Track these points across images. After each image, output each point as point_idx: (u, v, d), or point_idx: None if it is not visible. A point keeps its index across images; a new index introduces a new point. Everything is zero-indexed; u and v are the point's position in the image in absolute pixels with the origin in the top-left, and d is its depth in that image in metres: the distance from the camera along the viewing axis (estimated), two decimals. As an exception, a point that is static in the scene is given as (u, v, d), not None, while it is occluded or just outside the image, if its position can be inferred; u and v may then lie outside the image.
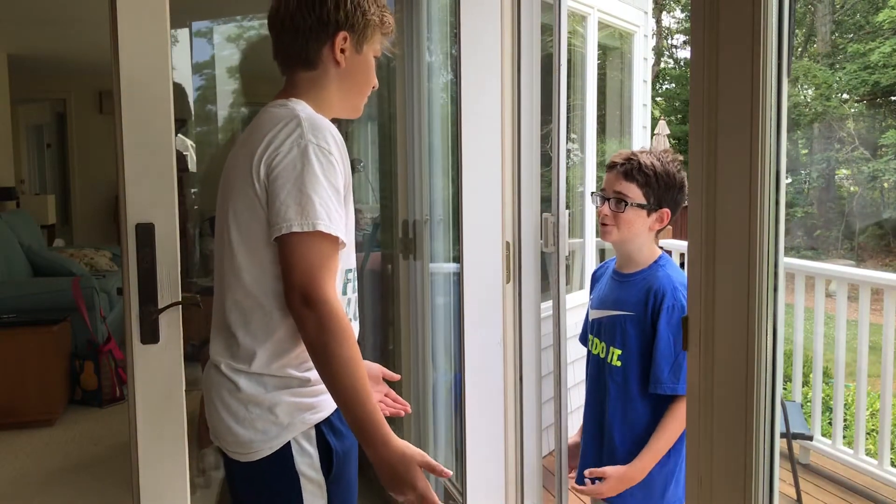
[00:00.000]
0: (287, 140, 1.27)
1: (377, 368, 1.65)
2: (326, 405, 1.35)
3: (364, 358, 1.31)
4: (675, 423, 1.69)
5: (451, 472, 1.35)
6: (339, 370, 1.23)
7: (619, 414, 1.76)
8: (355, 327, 1.47)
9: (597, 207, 1.80)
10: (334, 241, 1.27)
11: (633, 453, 1.73)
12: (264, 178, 1.28)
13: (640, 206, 1.72)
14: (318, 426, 1.34)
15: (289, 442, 1.33)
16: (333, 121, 1.40)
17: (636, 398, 1.74)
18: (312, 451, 1.34)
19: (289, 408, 1.33)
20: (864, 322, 3.45)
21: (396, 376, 1.67)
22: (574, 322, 2.10)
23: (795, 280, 3.82)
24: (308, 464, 1.34)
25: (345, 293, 1.42)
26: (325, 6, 1.37)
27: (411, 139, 2.67)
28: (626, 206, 1.72)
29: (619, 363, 1.76)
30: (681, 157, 1.76)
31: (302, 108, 1.34)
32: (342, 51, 1.40)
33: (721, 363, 1.06)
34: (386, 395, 1.64)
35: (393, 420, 1.67)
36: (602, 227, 1.79)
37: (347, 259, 1.41)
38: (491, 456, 2.19)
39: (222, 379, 1.36)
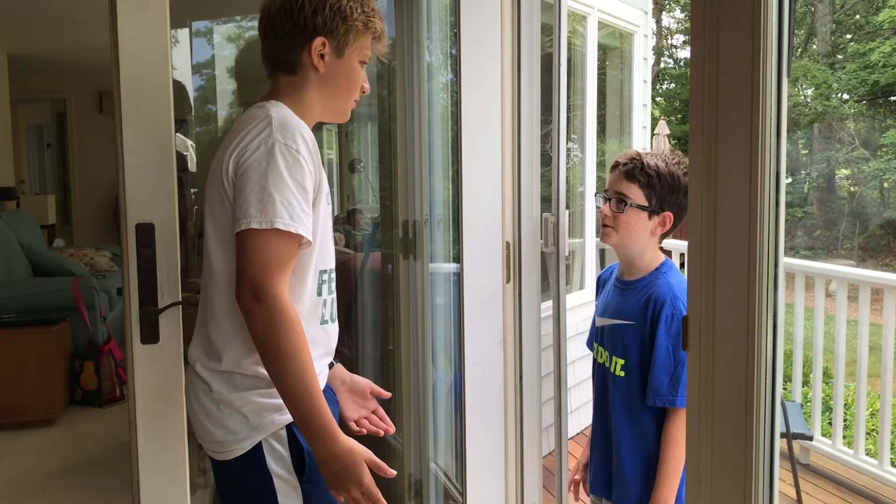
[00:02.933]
0: (255, 139, 1.29)
1: (365, 383, 1.63)
2: None
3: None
4: (678, 444, 1.63)
5: (395, 472, 1.34)
6: (286, 363, 1.23)
7: (626, 425, 1.71)
8: (334, 329, 1.48)
9: (599, 208, 1.76)
10: (293, 240, 1.28)
11: (640, 465, 1.70)
12: (232, 175, 1.30)
13: (641, 207, 1.67)
14: (289, 427, 1.35)
15: (260, 442, 1.34)
16: (321, 124, 1.41)
17: (640, 409, 1.69)
18: (284, 451, 1.35)
19: (258, 408, 1.34)
20: (864, 322, 3.45)
21: (386, 394, 1.64)
22: (574, 322, 2.10)
23: (795, 280, 3.82)
24: (280, 464, 1.35)
25: (320, 294, 1.41)
26: (303, 12, 1.37)
27: (411, 139, 2.67)
28: (625, 206, 1.67)
29: (622, 373, 1.71)
30: (686, 161, 1.71)
31: (277, 109, 1.35)
32: (322, 56, 1.40)
33: (721, 363, 1.06)
34: (374, 412, 1.62)
35: (392, 420, 1.67)
36: (602, 229, 1.74)
37: (322, 259, 1.41)
38: (491, 456, 2.19)
39: (198, 379, 1.38)
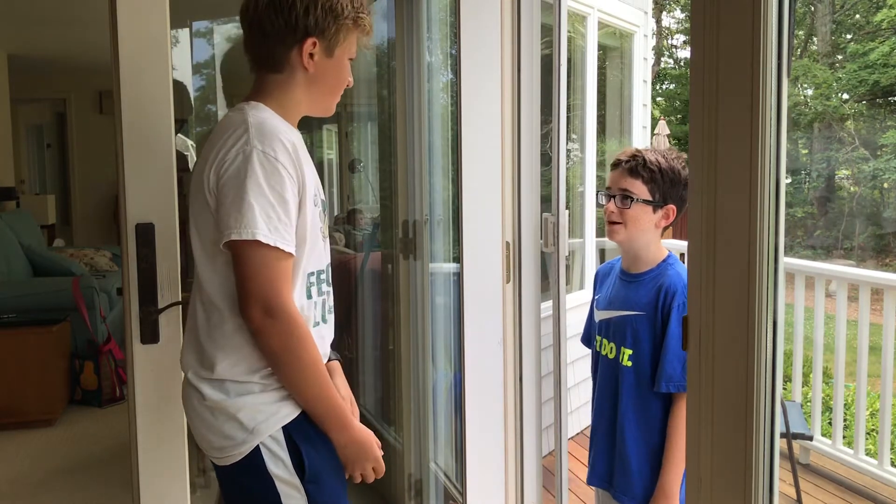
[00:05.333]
0: (234, 148, 1.28)
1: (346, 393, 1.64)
2: (291, 408, 1.35)
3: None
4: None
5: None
6: (306, 372, 1.30)
7: (632, 414, 1.75)
8: (328, 329, 1.48)
9: (603, 206, 1.79)
10: (279, 249, 1.27)
11: (646, 454, 1.73)
12: (213, 186, 1.30)
13: (646, 202, 1.72)
14: (284, 429, 1.35)
15: (258, 446, 1.33)
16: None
17: (649, 397, 1.72)
18: (282, 453, 1.34)
19: (252, 413, 1.33)
20: (864, 322, 3.45)
21: None
22: (574, 322, 2.10)
23: (795, 280, 3.82)
24: (280, 466, 1.34)
25: (310, 297, 1.40)
26: (294, 11, 1.34)
27: (411, 139, 2.67)
28: (632, 202, 1.72)
29: (630, 363, 1.75)
30: (685, 155, 1.77)
31: (255, 112, 1.33)
32: (311, 56, 1.38)
33: (721, 363, 1.06)
34: None
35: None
36: (609, 226, 1.78)
37: (310, 262, 1.39)
38: (491, 456, 2.19)
39: (190, 388, 1.38)
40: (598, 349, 1.87)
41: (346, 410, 1.35)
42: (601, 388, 1.86)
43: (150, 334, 1.70)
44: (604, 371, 1.84)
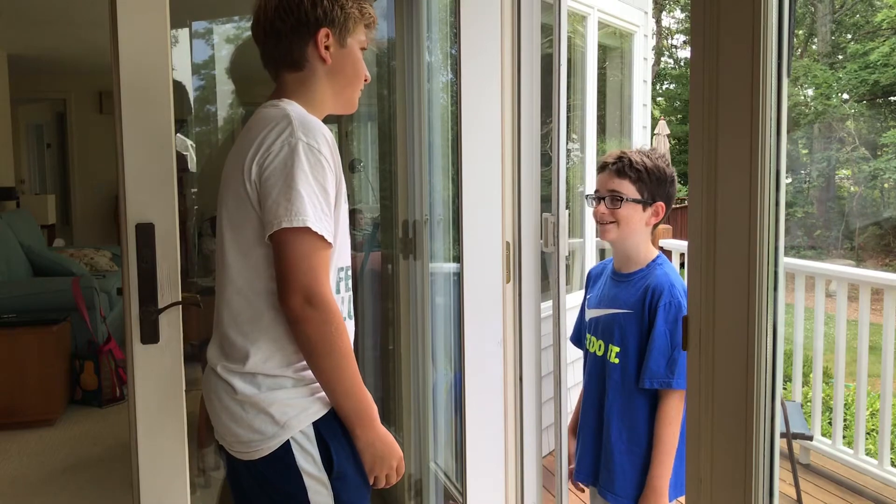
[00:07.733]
0: (278, 139, 1.29)
1: None
2: (322, 404, 1.36)
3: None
4: (671, 426, 1.71)
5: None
6: (342, 363, 1.30)
7: (617, 410, 1.79)
8: (350, 326, 1.48)
9: (593, 209, 1.83)
10: (323, 239, 1.30)
11: (628, 451, 1.77)
12: (255, 178, 1.31)
13: (636, 201, 1.77)
14: (315, 424, 1.35)
15: (288, 441, 1.33)
16: (333, 118, 1.42)
17: (634, 394, 1.77)
18: (312, 449, 1.34)
19: (284, 407, 1.34)
20: (864, 322, 3.45)
21: None
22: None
23: (795, 280, 3.82)
24: (310, 461, 1.34)
25: (338, 292, 1.42)
26: (302, 5, 1.40)
27: (411, 139, 2.67)
28: (621, 202, 1.77)
29: (617, 360, 1.79)
30: (667, 155, 1.82)
31: (293, 107, 1.36)
32: (326, 47, 1.42)
33: (721, 363, 1.06)
34: None
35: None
36: (600, 227, 1.83)
37: (340, 257, 1.42)
38: (491, 456, 2.19)
39: (219, 381, 1.38)
40: (587, 347, 1.92)
41: (374, 407, 1.35)
42: (589, 385, 1.90)
43: (150, 334, 1.70)
44: (592, 368, 1.89)
